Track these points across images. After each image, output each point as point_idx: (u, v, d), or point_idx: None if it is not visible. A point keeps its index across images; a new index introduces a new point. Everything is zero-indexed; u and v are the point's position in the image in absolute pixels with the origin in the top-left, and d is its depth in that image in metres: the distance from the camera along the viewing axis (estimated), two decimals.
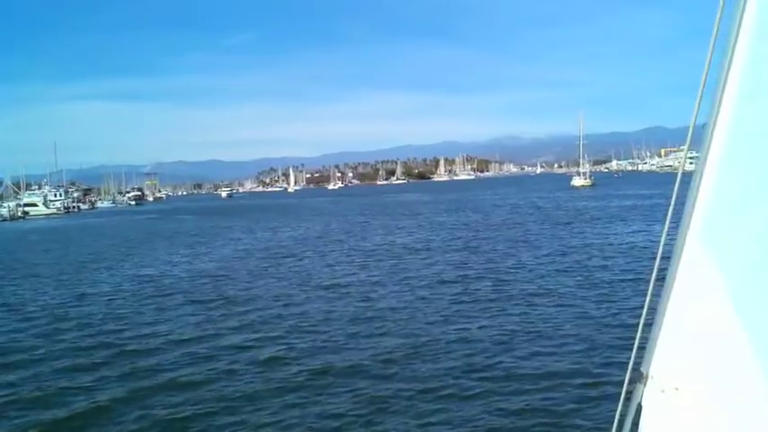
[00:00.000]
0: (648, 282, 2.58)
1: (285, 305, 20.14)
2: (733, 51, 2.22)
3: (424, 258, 29.71)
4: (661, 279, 2.50)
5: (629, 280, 21.52)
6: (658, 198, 69.88)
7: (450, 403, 11.05)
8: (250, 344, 15.74)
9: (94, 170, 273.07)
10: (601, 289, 20.29)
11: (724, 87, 2.26)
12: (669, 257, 2.49)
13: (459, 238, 38.59)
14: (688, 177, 2.42)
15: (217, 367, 13.93)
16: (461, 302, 19.37)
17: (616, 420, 2.77)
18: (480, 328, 16.20)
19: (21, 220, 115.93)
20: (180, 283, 25.90)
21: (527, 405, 10.78)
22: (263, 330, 17.04)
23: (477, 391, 11.59)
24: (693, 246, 2.40)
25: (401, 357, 13.94)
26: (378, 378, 12.67)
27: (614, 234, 36.28)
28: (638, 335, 2.63)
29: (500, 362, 13.25)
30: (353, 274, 26.01)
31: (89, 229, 75.00)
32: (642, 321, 2.62)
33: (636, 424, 2.63)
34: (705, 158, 2.33)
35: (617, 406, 2.74)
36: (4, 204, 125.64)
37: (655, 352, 2.55)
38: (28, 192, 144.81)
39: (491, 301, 19.40)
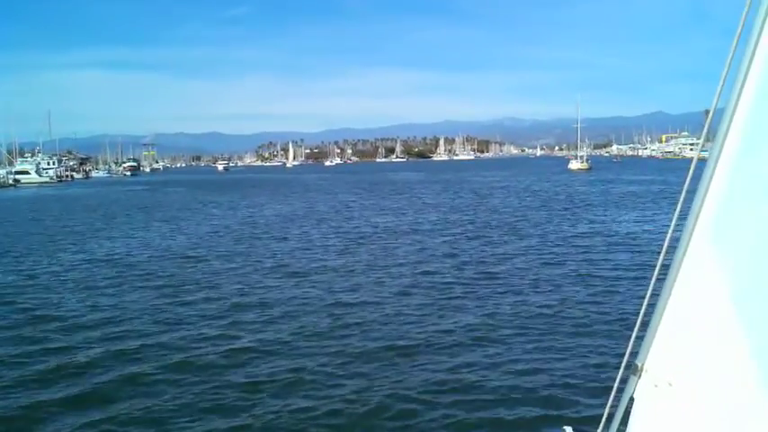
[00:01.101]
0: (651, 275, 2.63)
1: (243, 294, 18.57)
2: (756, 43, 2.22)
3: (410, 244, 28.19)
4: (665, 273, 2.52)
5: (618, 270, 20.64)
6: (652, 184, 69.04)
7: (437, 395, 10.61)
8: (196, 336, 14.52)
9: (94, 139, 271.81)
10: (590, 280, 19.35)
11: (745, 78, 2.25)
12: (674, 250, 2.52)
13: (448, 222, 37.27)
14: (700, 166, 2.43)
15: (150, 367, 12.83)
16: (443, 291, 18.25)
17: (606, 411, 2.80)
18: (463, 318, 15.37)
19: (11, 188, 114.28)
20: (142, 263, 24.25)
21: (514, 395, 10.52)
22: (213, 322, 15.70)
23: (462, 381, 11.19)
24: (699, 243, 2.42)
25: (377, 352, 12.92)
26: (346, 378, 11.60)
27: (601, 221, 35.23)
28: (636, 328, 2.67)
29: (488, 351, 12.80)
30: (326, 259, 24.31)
31: (75, 199, 73.75)
32: (641, 314, 2.68)
33: (626, 416, 2.66)
34: (719, 151, 2.33)
35: (607, 397, 2.77)
36: None
37: (651, 346, 2.58)
38: (20, 159, 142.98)
39: (474, 291, 18.30)
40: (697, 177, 2.43)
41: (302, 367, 11.99)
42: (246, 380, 11.44)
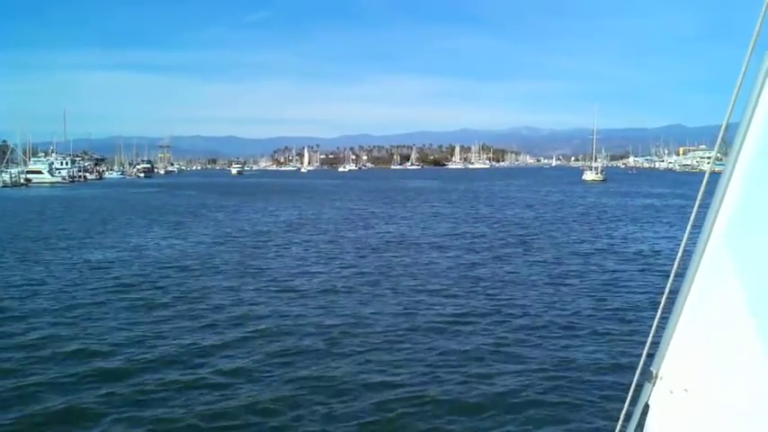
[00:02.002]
0: (666, 281, 2.64)
1: (225, 311, 17.37)
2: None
3: (416, 257, 27.18)
4: (679, 280, 2.55)
5: (630, 282, 20.55)
6: (667, 198, 67.64)
7: (453, 405, 10.65)
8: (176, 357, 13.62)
9: (110, 140, 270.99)
10: (602, 291, 19.32)
11: (761, 90, 2.27)
12: (689, 257, 2.53)
13: (457, 235, 36.12)
14: (714, 178, 2.42)
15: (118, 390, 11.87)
16: (450, 301, 17.53)
17: (621, 419, 2.80)
18: (475, 326, 15.59)
19: (23, 187, 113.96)
20: (131, 275, 22.63)
21: (530, 399, 10.78)
22: (178, 342, 14.74)
23: (476, 391, 11.23)
24: (715, 250, 2.42)
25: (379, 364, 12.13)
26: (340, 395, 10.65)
27: (607, 236, 34.07)
28: (652, 334, 2.67)
29: (500, 361, 12.96)
30: (323, 274, 22.66)
31: (82, 200, 73.27)
32: (656, 321, 2.67)
33: (641, 424, 2.65)
34: (734, 162, 2.35)
35: (622, 404, 2.76)
36: (7, 171, 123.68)
37: (667, 352, 2.57)
38: (34, 159, 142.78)
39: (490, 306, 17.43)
40: (710, 192, 2.45)
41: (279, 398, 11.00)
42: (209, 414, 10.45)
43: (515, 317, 16.54)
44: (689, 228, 2.55)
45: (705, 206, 2.46)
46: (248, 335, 14.79)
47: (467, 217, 47.82)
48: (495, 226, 40.23)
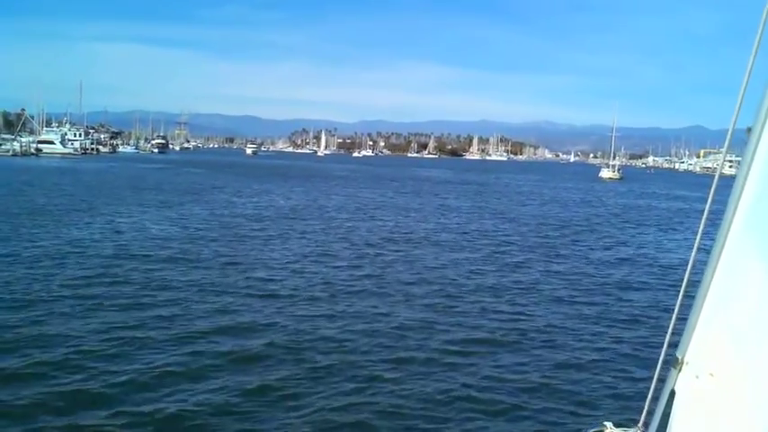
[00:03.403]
0: (685, 269, 2.69)
1: (181, 314, 15.52)
2: None
3: (421, 256, 25.26)
4: (699, 269, 2.58)
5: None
6: (682, 201, 65.45)
7: (482, 391, 10.88)
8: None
9: (130, 114, 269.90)
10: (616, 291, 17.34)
11: None
12: (706, 247, 2.56)
13: (466, 233, 34.37)
14: (725, 181, 2.46)
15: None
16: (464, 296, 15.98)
17: (646, 405, 2.85)
18: (496, 321, 15.62)
19: (33, 157, 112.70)
20: (98, 262, 20.33)
21: (554, 392, 10.96)
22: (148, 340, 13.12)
23: (502, 379, 11.48)
24: (737, 236, 2.44)
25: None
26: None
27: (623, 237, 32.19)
28: (674, 320, 2.73)
29: (525, 351, 13.19)
30: (316, 275, 19.99)
31: (86, 173, 71.71)
32: (678, 307, 2.72)
33: (668, 409, 2.66)
34: (752, 158, 2.38)
35: (647, 392, 2.81)
36: (18, 139, 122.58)
37: (692, 338, 2.59)
38: (46, 129, 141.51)
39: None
40: (723, 186, 2.48)
41: None
42: None
43: (534, 310, 16.78)
44: (704, 219, 2.58)
45: (719, 202, 2.50)
46: (200, 337, 13.06)
47: (478, 211, 46.07)
48: (504, 226, 38.37)
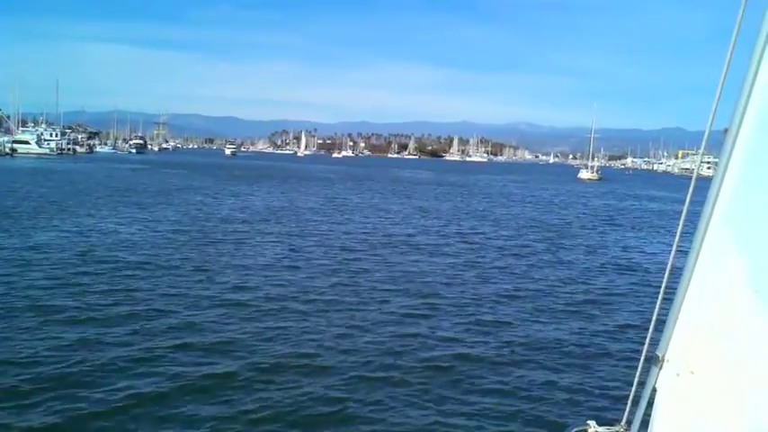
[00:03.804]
0: (664, 269, 2.73)
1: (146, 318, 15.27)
2: (762, 55, 2.28)
3: (398, 261, 24.80)
4: (678, 266, 2.61)
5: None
6: (660, 202, 65.47)
7: (466, 393, 10.89)
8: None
9: (108, 114, 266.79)
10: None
11: (750, 91, 2.33)
12: (684, 246, 2.60)
13: (444, 235, 34.10)
14: (703, 182, 2.51)
15: None
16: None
17: (629, 403, 2.89)
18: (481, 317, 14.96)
19: (7, 157, 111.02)
20: (53, 269, 19.51)
21: (538, 392, 11.00)
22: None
23: (486, 380, 11.57)
24: (714, 234, 2.46)
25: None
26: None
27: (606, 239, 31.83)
28: (654, 319, 2.76)
29: (510, 350, 13.33)
30: (284, 282, 19.05)
31: (58, 174, 70.28)
32: (658, 305, 2.76)
33: (650, 407, 2.69)
34: (728, 158, 2.40)
35: (629, 390, 2.84)
36: None
37: (672, 336, 2.61)
38: (22, 129, 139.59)
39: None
40: (701, 189, 2.52)
41: None
42: None
43: (517, 304, 17.50)
44: (683, 219, 2.62)
45: (697, 203, 2.51)
46: (161, 356, 12.41)
47: (456, 213, 45.61)
48: (485, 229, 37.90)
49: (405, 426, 9.64)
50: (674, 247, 2.67)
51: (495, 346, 13.58)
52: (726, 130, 2.39)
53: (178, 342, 12.82)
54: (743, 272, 2.36)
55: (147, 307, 15.36)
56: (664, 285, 2.75)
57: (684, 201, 2.66)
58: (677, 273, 2.57)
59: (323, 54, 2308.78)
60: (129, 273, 19.19)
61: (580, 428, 3.34)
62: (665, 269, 2.74)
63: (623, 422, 3.01)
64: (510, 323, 15.49)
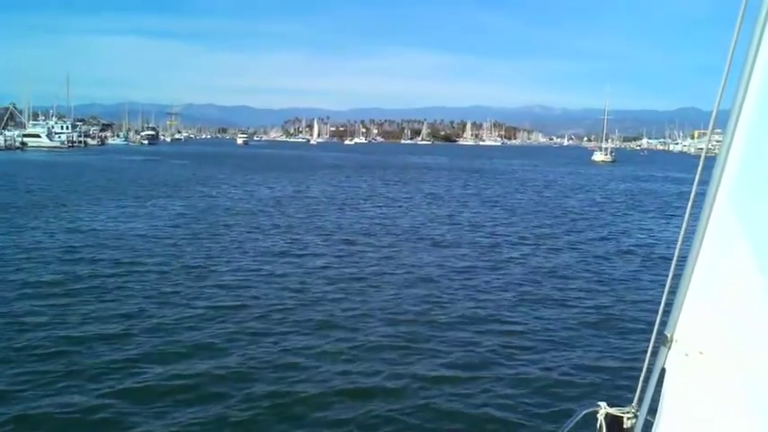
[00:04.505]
0: (675, 247, 2.70)
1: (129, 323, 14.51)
2: (762, 33, 2.26)
3: (406, 258, 23.54)
4: (687, 245, 2.58)
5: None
6: (670, 183, 64.23)
7: (477, 370, 11.12)
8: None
9: (121, 106, 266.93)
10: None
11: (752, 70, 2.31)
12: (694, 224, 2.57)
13: (457, 224, 33.24)
14: (712, 161, 2.48)
15: None
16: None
17: (639, 384, 2.88)
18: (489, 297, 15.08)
19: (18, 151, 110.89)
20: (52, 262, 19.20)
21: (550, 373, 11.06)
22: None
23: (498, 360, 11.69)
24: (721, 214, 2.45)
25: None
26: None
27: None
28: (664, 299, 2.74)
29: (520, 333, 13.36)
30: (277, 282, 17.53)
31: (65, 167, 70.02)
32: (668, 285, 2.75)
33: (659, 387, 2.68)
34: (732, 135, 2.39)
35: (640, 371, 2.81)
36: (2, 133, 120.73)
37: (680, 316, 2.60)
38: (32, 122, 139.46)
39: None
40: (708, 169, 2.51)
41: None
42: None
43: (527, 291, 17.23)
44: (692, 198, 2.59)
45: (706, 183, 2.49)
46: (145, 361, 11.62)
47: (466, 201, 44.72)
48: (499, 216, 36.93)
49: (412, 406, 9.68)
50: (684, 227, 2.64)
51: (508, 330, 13.63)
52: (729, 109, 2.36)
53: (167, 345, 12.04)
54: (750, 250, 2.34)
55: (136, 306, 14.56)
56: (674, 265, 2.70)
57: (693, 181, 2.62)
58: (687, 252, 2.55)
59: (335, 42, 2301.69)
60: (120, 270, 18.24)
61: (591, 410, 3.28)
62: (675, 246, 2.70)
63: (634, 402, 3.01)
64: (522, 314, 15.03)
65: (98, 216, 29.88)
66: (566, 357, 11.85)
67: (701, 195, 2.51)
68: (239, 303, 15.25)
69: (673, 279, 2.68)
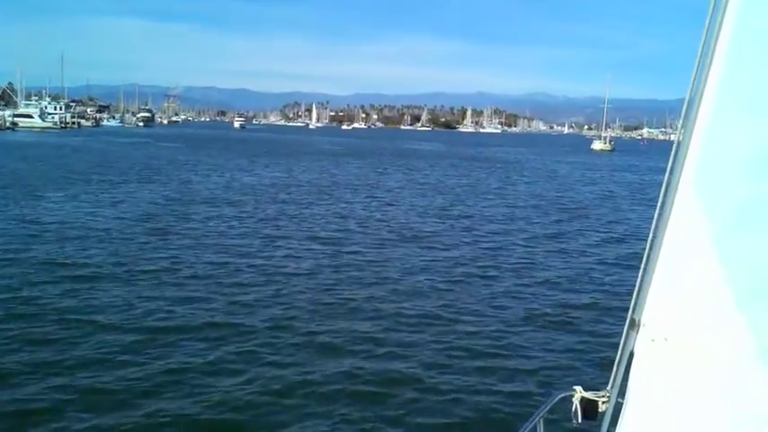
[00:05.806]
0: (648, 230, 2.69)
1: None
2: (721, 20, 2.30)
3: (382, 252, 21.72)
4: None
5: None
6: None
7: (452, 359, 11.05)
8: None
9: (122, 88, 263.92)
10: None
11: (711, 60, 2.35)
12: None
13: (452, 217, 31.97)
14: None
15: None
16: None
17: (615, 368, 2.88)
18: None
19: (8, 131, 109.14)
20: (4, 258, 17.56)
21: (526, 359, 11.22)
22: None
23: (474, 349, 11.62)
24: (683, 200, 2.47)
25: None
26: None
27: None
28: (638, 283, 2.73)
29: (500, 320, 13.41)
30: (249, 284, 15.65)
31: (50, 148, 68.59)
32: (642, 269, 2.74)
33: (628, 371, 2.73)
34: (695, 118, 2.40)
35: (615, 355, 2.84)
36: None
37: (647, 300, 2.64)
38: (25, 102, 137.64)
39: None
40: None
41: None
42: None
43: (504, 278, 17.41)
44: (664, 184, 2.54)
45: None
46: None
47: (471, 192, 43.23)
48: (499, 209, 35.49)
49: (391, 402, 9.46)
50: (657, 212, 2.61)
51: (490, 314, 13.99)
52: (687, 99, 2.38)
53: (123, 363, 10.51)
54: (711, 237, 2.36)
55: (91, 315, 12.90)
56: (647, 250, 2.63)
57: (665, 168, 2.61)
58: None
59: (336, 27, 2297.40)
60: (79, 269, 16.38)
61: (567, 393, 3.29)
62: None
63: (609, 386, 2.99)
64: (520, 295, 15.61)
65: (72, 203, 28.23)
66: (544, 343, 12.12)
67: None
68: (205, 296, 14.30)
69: (645, 265, 2.62)
